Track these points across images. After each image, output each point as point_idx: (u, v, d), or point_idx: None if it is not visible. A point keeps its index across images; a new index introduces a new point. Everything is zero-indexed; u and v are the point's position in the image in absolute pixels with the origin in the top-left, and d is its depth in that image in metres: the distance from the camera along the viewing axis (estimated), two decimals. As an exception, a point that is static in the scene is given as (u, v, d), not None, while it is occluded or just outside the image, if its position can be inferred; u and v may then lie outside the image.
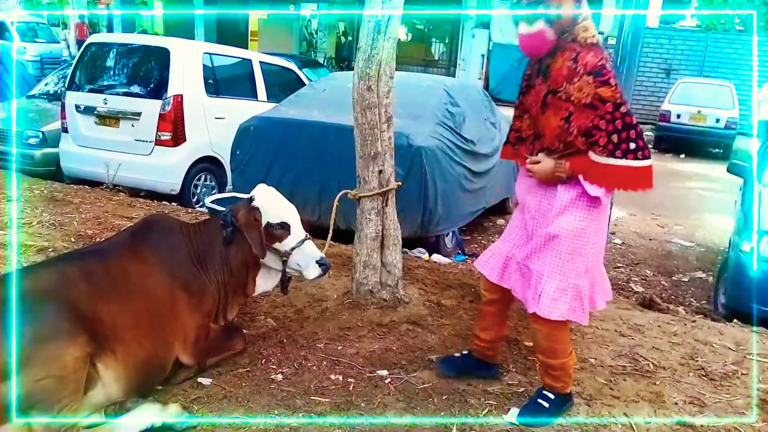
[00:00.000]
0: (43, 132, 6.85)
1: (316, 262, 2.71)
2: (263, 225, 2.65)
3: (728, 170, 5.52)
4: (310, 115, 5.21)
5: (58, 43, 18.99)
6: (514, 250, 2.48)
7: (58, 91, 7.56)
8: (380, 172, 3.34)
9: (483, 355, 2.73)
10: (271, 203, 2.70)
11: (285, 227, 2.68)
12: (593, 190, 2.19)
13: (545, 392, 2.47)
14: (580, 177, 2.20)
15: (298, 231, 2.73)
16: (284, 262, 2.70)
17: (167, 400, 2.40)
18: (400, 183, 3.49)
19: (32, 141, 6.83)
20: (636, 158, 2.13)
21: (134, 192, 6.05)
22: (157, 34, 20.52)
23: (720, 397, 2.68)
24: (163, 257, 2.56)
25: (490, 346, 2.71)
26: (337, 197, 3.40)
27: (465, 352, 2.81)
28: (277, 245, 2.68)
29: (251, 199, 2.68)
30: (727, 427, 2.46)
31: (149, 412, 2.21)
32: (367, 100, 3.20)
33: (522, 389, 2.68)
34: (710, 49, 16.56)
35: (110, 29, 20.71)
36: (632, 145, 2.12)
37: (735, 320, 3.84)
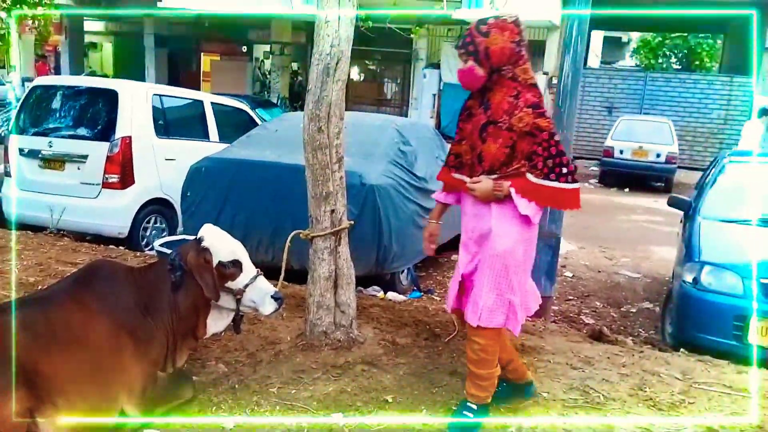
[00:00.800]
0: (-16, 176, 6.63)
1: (271, 296, 2.71)
2: (215, 264, 2.61)
3: (669, 203, 5.75)
4: (263, 155, 5.20)
5: (3, 85, 18.52)
6: (463, 272, 2.67)
7: (1, 135, 7.36)
8: (332, 211, 3.35)
9: (507, 379, 2.85)
10: (221, 241, 2.68)
11: (237, 265, 2.66)
12: (524, 207, 2.44)
13: (469, 404, 2.67)
14: (512, 193, 2.43)
15: (249, 267, 2.72)
16: (238, 301, 2.67)
17: (111, 454, 2.30)
18: (352, 222, 3.50)
19: (-27, 185, 6.60)
20: (567, 181, 2.44)
21: (80, 236, 5.88)
22: (106, 75, 20.28)
23: (668, 427, 2.73)
24: (108, 304, 2.49)
25: (510, 369, 2.82)
26: (289, 237, 3.39)
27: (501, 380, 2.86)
28: (230, 284, 2.65)
29: (200, 240, 2.64)
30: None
31: (91, 469, 2.12)
32: (318, 141, 3.22)
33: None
34: (648, 88, 17.38)
35: (58, 72, 20.36)
36: (564, 170, 2.43)
37: (681, 349, 3.96)
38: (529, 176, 2.41)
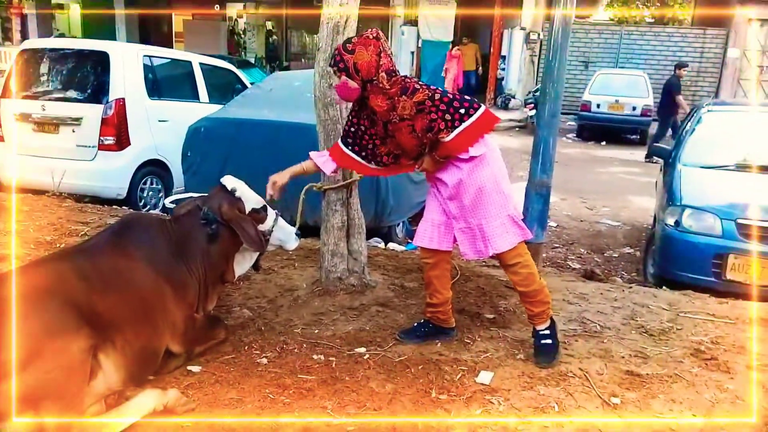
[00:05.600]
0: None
1: (294, 233, 3.03)
2: (248, 212, 2.80)
3: (651, 152, 6.03)
4: (261, 114, 5.31)
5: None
6: (442, 218, 2.95)
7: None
8: (343, 164, 3.52)
9: (438, 320, 3.11)
10: (248, 190, 2.87)
11: (264, 209, 2.87)
12: (473, 151, 2.75)
13: (541, 331, 2.92)
14: (442, 158, 2.78)
15: (270, 210, 2.94)
16: (267, 241, 2.89)
17: (163, 387, 2.50)
18: (361, 175, 3.67)
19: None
20: (470, 115, 2.70)
21: (79, 198, 5.95)
22: (75, 37, 19.72)
23: (660, 349, 3.04)
24: (146, 253, 2.65)
25: (441, 310, 3.08)
26: (304, 190, 3.54)
27: (421, 321, 3.18)
28: (260, 227, 2.86)
29: (233, 191, 2.81)
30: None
31: (150, 399, 2.32)
32: (329, 97, 3.37)
33: (488, 354, 2.94)
34: (624, 42, 17.60)
35: (24, 35, 19.72)
36: (462, 111, 2.69)
37: (663, 287, 4.28)
38: (444, 139, 2.69)
